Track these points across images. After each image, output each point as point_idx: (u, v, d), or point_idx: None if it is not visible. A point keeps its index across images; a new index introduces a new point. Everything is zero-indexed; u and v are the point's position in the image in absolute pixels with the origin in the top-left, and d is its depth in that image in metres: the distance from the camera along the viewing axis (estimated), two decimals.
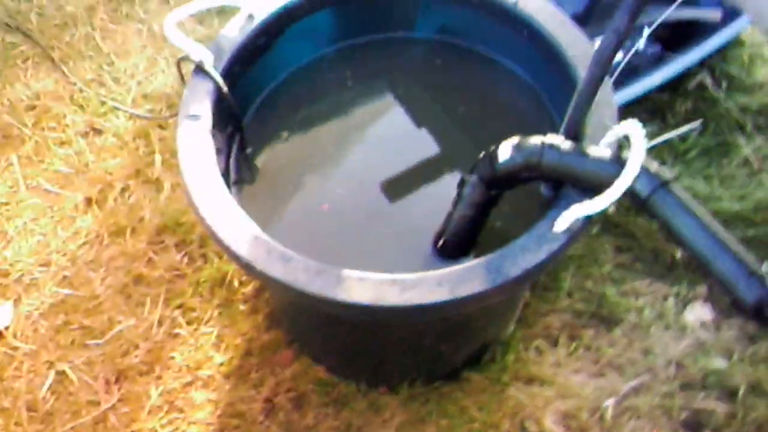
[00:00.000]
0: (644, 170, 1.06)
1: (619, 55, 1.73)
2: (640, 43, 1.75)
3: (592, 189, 1.08)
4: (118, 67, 1.96)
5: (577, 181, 1.11)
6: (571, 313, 1.54)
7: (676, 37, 1.80)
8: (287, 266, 1.07)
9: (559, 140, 1.12)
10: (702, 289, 1.54)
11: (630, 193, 1.07)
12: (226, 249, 1.09)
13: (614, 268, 1.58)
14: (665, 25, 1.82)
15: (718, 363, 1.48)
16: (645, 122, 1.66)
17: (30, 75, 1.96)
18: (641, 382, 1.47)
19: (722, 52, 1.72)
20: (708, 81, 1.68)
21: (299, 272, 1.06)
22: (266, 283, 1.11)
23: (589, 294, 1.56)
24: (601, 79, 1.08)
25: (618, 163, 1.06)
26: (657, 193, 1.05)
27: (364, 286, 1.06)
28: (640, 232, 1.60)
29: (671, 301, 1.55)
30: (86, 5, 2.10)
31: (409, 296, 1.05)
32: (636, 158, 1.03)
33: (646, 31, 1.77)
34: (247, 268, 1.08)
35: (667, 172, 1.07)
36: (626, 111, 1.69)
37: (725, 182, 1.62)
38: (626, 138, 1.09)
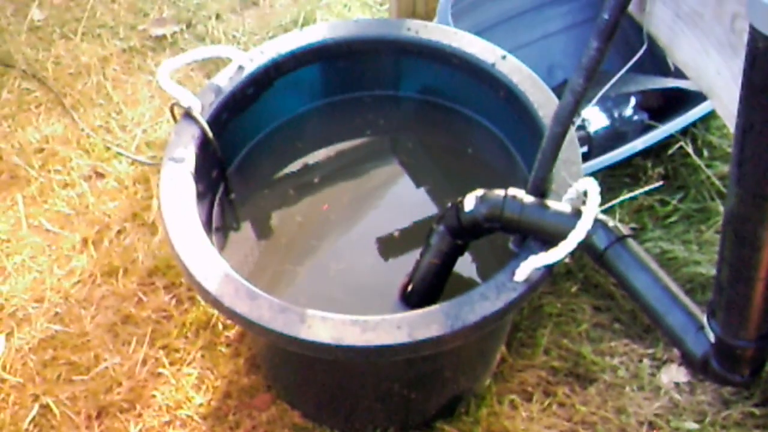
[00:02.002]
0: (602, 225, 1.10)
1: (604, 122, 1.80)
2: (626, 111, 1.81)
3: (552, 241, 1.12)
4: (126, 115, 2.04)
5: (537, 232, 1.15)
6: (546, 369, 1.56)
7: (667, 106, 1.85)
8: (253, 304, 1.11)
9: (521, 193, 1.16)
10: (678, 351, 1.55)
11: (588, 247, 1.11)
12: (197, 285, 1.14)
13: (592, 327, 1.61)
14: (656, 95, 1.88)
15: (691, 425, 1.49)
16: (625, 185, 1.72)
17: (41, 120, 2.04)
18: None
19: (705, 121, 1.76)
20: (689, 148, 1.72)
21: (264, 309, 1.10)
22: (233, 320, 1.15)
23: (566, 352, 1.58)
24: (562, 137, 1.12)
25: (576, 216, 1.10)
26: (613, 247, 1.09)
27: (326, 326, 1.10)
28: (619, 293, 1.63)
29: (646, 362, 1.56)
30: (101, 56, 2.19)
31: (369, 337, 1.08)
32: (590, 212, 1.07)
33: (632, 101, 1.84)
34: (215, 304, 1.13)
35: (623, 229, 1.11)
36: (609, 174, 1.74)
37: (704, 247, 1.65)
38: (586, 194, 1.13)
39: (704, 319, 0.99)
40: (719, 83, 0.88)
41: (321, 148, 1.54)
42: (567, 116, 1.08)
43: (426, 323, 1.09)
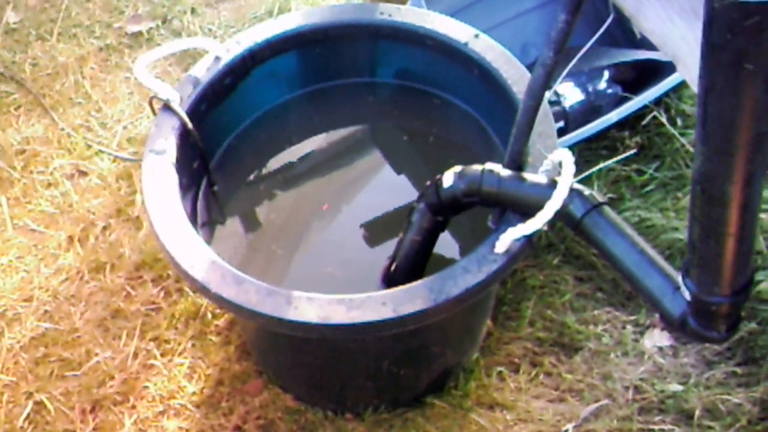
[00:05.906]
0: (578, 194, 1.12)
1: (579, 96, 1.82)
2: (600, 84, 1.84)
3: (530, 212, 1.14)
4: (106, 113, 2.05)
5: (515, 205, 1.18)
6: (532, 341, 1.59)
7: (640, 78, 1.88)
8: (240, 288, 1.13)
9: (498, 167, 1.18)
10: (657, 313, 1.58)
11: (565, 216, 1.13)
12: (183, 273, 1.15)
13: (575, 297, 1.63)
14: (628, 67, 1.90)
15: (675, 387, 1.52)
16: (602, 157, 1.75)
17: (21, 121, 2.05)
18: (600, 407, 1.51)
19: (677, 90, 1.79)
20: (663, 118, 1.75)
21: (251, 294, 1.12)
22: (222, 305, 1.17)
23: (551, 323, 1.60)
24: (535, 110, 1.15)
25: (552, 187, 1.13)
26: (589, 215, 1.12)
27: (313, 306, 1.12)
28: (600, 262, 1.66)
29: (630, 328, 1.59)
30: (78, 56, 2.20)
31: (355, 314, 1.11)
32: (566, 181, 1.10)
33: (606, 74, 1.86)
34: (203, 291, 1.15)
35: (598, 197, 1.13)
36: (586, 147, 1.77)
37: (681, 213, 1.68)
38: (561, 165, 1.15)
39: (680, 280, 1.01)
40: (684, 48, 0.90)
41: (302, 139, 1.56)
42: (539, 89, 1.11)
43: (410, 298, 1.12)
